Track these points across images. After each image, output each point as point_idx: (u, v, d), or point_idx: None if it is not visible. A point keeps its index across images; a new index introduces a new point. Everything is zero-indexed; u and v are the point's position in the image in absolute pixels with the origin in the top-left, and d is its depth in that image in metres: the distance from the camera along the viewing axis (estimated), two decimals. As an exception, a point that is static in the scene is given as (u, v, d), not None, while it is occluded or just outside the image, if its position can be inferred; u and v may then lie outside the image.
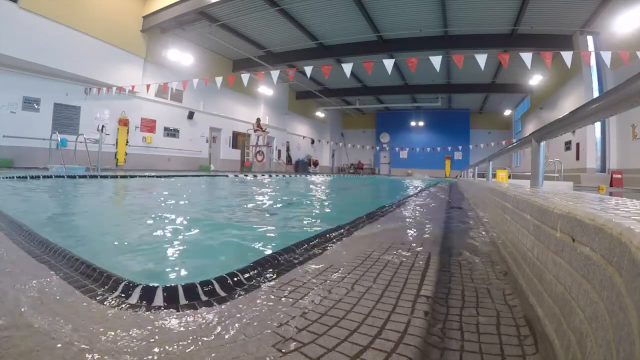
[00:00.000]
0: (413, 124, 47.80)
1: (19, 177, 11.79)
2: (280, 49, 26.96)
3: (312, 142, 45.56)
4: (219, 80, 18.13)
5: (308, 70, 16.96)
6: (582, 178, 19.25)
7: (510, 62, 17.99)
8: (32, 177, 12.22)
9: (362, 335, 1.63)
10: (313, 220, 6.92)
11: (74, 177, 13.51)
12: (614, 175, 17.17)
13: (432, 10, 20.33)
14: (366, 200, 13.34)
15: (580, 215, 1.38)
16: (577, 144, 21.86)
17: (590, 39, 20.71)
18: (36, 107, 17.67)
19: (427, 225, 5.17)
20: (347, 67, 16.75)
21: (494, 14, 20.22)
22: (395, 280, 2.44)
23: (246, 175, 22.49)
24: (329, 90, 38.26)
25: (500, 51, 21.44)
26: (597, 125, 20.23)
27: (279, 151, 37.90)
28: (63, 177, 13.19)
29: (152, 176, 16.84)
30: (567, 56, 14.44)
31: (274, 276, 2.49)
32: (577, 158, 21.77)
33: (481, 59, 14.55)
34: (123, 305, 1.92)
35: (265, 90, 32.52)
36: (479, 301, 2.24)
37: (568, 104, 23.03)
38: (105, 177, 14.64)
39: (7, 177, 11.51)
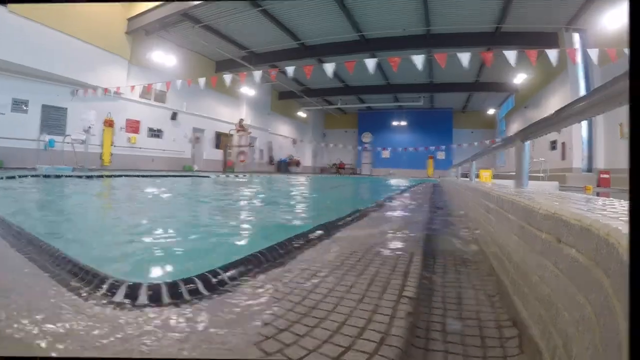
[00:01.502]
0: (395, 123, 47.83)
1: (8, 177, 11.92)
2: (263, 49, 26.96)
3: (294, 142, 45.56)
4: (202, 81, 18.29)
5: (290, 70, 17.11)
6: (568, 178, 19.15)
7: (494, 60, 18.12)
8: (20, 177, 12.34)
9: (344, 336, 1.63)
10: (295, 221, 6.96)
11: (60, 177, 13.65)
12: (602, 175, 17.16)
13: (415, 8, 20.35)
14: (348, 200, 13.37)
15: (566, 215, 1.38)
16: (563, 143, 21.93)
17: (576, 36, 20.63)
18: (25, 108, 17.72)
19: (409, 226, 5.13)
20: (329, 67, 16.83)
21: (477, 12, 20.24)
22: (377, 281, 2.43)
23: (227, 176, 22.56)
24: (311, 90, 38.27)
25: (483, 49, 21.60)
26: (584, 123, 20.14)
27: (262, 151, 37.87)
28: (49, 176, 13.32)
29: (136, 176, 17.01)
30: (552, 54, 14.53)
31: (257, 275, 2.48)
32: (563, 157, 21.83)
33: (464, 57, 14.62)
34: (108, 303, 1.92)
35: (247, 90, 32.55)
36: (462, 302, 2.25)
37: (553, 103, 22.93)
38: (90, 177, 14.74)
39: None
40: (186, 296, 2.09)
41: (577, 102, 2.28)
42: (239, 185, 17.11)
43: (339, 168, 51.25)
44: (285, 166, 39.62)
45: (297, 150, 46.23)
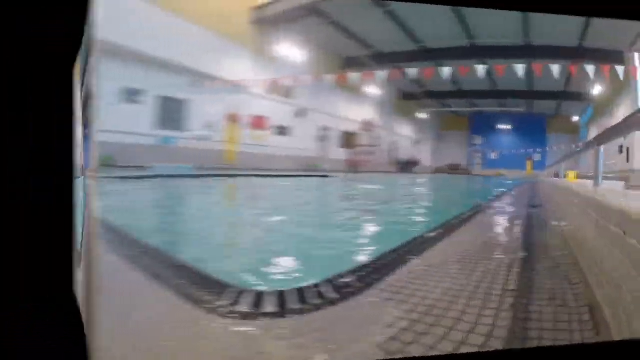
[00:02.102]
0: (501, 127, 47.41)
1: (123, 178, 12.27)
2: (387, 49, 26.99)
3: (414, 142, 45.16)
4: (328, 78, 19.55)
5: (411, 72, 17.93)
6: (632, 178, 18.66)
7: (577, 72, 19.16)
8: (137, 178, 13.06)
9: (458, 332, 1.82)
10: (417, 220, 6.97)
11: (181, 177, 14.59)
12: None
13: (516, 20, 20.91)
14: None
15: (630, 212, 1.50)
16: (627, 148, 22.45)
17: (637, 55, 21.00)
18: (138, 99, 17.23)
19: (512, 222, 5.36)
20: (446, 71, 17.61)
21: (565, 27, 20.87)
22: (485, 277, 2.63)
23: (349, 174, 23.46)
24: (429, 93, 38.68)
25: (569, 63, 21.43)
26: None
27: (387, 151, 37.71)
28: (168, 177, 14.18)
29: (265, 176, 17.84)
30: (620, 70, 15.82)
31: (380, 278, 2.64)
32: (628, 160, 22.38)
33: (555, 68, 16.50)
34: (232, 314, 2.05)
35: (372, 90, 32.48)
36: (551, 291, 2.38)
37: (622, 113, 22.90)
38: (217, 176, 15.71)
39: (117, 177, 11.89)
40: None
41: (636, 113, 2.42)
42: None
43: (454, 169, 50.65)
44: (408, 166, 39.45)
45: (417, 150, 46.02)
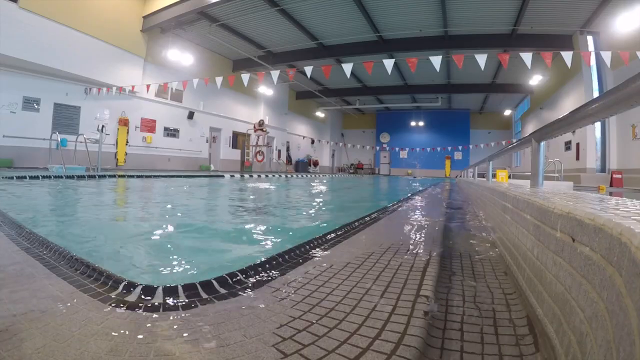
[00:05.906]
0: (413, 124, 47.81)
1: (19, 177, 11.81)
2: (280, 49, 26.99)
3: (312, 142, 45.48)
4: (219, 80, 18.17)
5: (308, 70, 16.97)
6: (582, 178, 19.25)
7: (510, 62, 17.93)
8: (31, 177, 12.24)
9: (362, 337, 1.61)
10: (314, 221, 6.86)
11: (73, 177, 13.49)
12: (614, 175, 17.24)
13: (432, 10, 20.32)
14: (366, 200, 13.12)
15: (580, 215, 1.37)
16: (577, 144, 21.85)
17: (590, 38, 20.66)
18: (36, 107, 17.75)
19: (427, 225, 5.06)
20: (347, 67, 16.70)
21: (494, 14, 20.20)
22: (395, 281, 2.39)
23: (242, 176, 22.50)
24: (329, 90, 38.28)
25: (500, 51, 21.41)
26: (597, 125, 20.22)
27: (279, 151, 37.86)
28: (62, 177, 13.20)
29: (151, 176, 16.96)
30: (567, 56, 14.38)
31: (275, 277, 2.45)
32: (577, 158, 21.75)
33: (481, 59, 14.48)
34: (123, 306, 1.90)
35: (265, 90, 32.53)
36: (478, 301, 2.21)
37: (568, 104, 23.03)
38: (104, 177, 14.65)
39: (6, 177, 11.54)
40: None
41: (591, 104, 2.27)
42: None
43: (357, 168, 51.33)
44: (304, 166, 39.58)
45: (315, 150, 46.18)
